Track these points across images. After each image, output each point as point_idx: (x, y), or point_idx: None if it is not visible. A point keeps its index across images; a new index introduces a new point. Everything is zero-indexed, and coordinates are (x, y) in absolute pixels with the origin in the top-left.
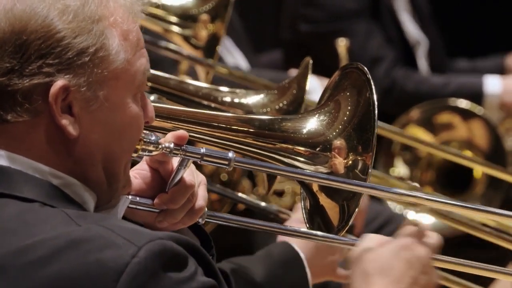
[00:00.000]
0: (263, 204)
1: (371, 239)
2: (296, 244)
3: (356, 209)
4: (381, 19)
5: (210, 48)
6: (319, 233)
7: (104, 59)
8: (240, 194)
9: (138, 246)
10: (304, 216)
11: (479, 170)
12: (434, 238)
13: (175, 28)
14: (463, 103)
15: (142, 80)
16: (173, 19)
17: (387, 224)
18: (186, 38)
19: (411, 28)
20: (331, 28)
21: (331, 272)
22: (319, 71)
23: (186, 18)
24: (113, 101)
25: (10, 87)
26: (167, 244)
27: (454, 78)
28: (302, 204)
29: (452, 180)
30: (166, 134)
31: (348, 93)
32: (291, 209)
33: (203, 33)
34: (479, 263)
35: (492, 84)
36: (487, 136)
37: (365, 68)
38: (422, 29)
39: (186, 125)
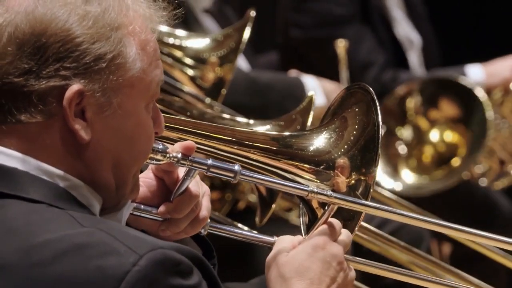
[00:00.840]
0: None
1: (283, 241)
2: None
3: (356, 228)
4: (372, 21)
5: (214, 90)
6: None
7: (121, 67)
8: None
9: (140, 254)
10: (302, 231)
11: (457, 159)
12: (346, 235)
13: (183, 67)
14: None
15: (156, 90)
16: (187, 60)
17: (384, 225)
18: (192, 78)
19: (404, 26)
20: (320, 34)
21: None
22: (315, 74)
23: (197, 60)
24: (126, 108)
25: (26, 88)
26: (169, 253)
27: (437, 72)
28: (301, 219)
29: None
30: (172, 144)
31: (353, 113)
32: (290, 209)
33: (210, 76)
34: (390, 267)
35: (474, 72)
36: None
37: (370, 88)
38: (416, 28)
39: (193, 136)
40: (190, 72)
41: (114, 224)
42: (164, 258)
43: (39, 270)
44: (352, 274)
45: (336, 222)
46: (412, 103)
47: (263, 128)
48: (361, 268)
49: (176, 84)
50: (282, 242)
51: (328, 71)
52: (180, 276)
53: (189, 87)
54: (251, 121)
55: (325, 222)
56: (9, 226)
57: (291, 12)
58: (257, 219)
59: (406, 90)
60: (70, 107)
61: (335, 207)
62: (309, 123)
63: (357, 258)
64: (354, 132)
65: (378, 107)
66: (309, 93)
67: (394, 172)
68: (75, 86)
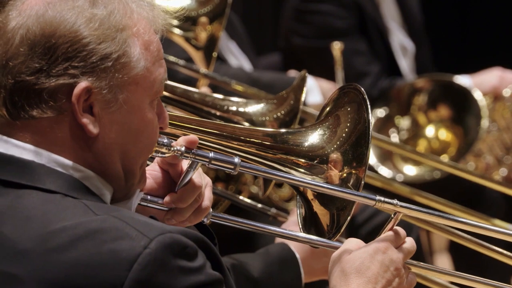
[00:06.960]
0: (259, 205)
1: (350, 242)
2: (293, 245)
3: (348, 218)
4: (367, 32)
5: (209, 48)
6: (313, 237)
7: (126, 65)
8: (241, 197)
9: (150, 238)
10: (299, 221)
11: (446, 156)
12: (409, 243)
13: (177, 31)
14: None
15: (160, 87)
16: (174, 21)
17: (374, 217)
18: (188, 40)
19: (398, 35)
20: (320, 45)
21: (325, 273)
22: (313, 75)
23: (186, 20)
24: (132, 104)
25: (37, 86)
26: (177, 237)
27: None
28: (298, 211)
29: None
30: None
31: (345, 111)
32: (289, 199)
33: (203, 35)
34: (451, 270)
35: (463, 82)
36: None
37: (362, 89)
38: (410, 35)
39: (196, 133)
40: (184, 34)
41: (125, 211)
42: (172, 241)
43: (55, 255)
44: (411, 280)
45: (401, 230)
46: (419, 100)
47: (258, 107)
48: (424, 272)
49: (172, 60)
50: (350, 242)
51: (325, 72)
52: (186, 258)
53: (185, 48)
54: (245, 100)
55: (391, 229)
56: (27, 214)
57: (294, 22)
58: (260, 193)
59: (423, 84)
60: (79, 103)
61: (400, 215)
62: (302, 99)
63: (421, 263)
64: (346, 129)
65: (369, 106)
66: (302, 71)
67: (382, 158)
68: (83, 84)
